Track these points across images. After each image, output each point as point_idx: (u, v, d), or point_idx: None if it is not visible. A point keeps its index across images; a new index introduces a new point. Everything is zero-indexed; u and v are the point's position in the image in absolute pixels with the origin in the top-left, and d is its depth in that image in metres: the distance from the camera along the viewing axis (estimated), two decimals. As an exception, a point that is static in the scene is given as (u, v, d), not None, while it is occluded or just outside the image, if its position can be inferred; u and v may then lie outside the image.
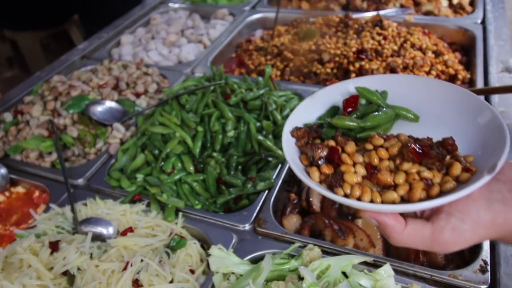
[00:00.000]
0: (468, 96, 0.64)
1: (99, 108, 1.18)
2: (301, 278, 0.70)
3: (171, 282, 0.73)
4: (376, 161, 0.58)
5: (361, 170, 0.58)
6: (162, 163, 0.97)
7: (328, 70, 1.29)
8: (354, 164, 0.59)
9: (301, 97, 1.19)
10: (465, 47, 1.41)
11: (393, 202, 0.54)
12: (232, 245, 0.82)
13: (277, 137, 1.05)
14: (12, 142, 1.14)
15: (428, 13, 1.58)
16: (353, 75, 1.24)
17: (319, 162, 0.60)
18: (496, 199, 0.53)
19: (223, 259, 0.76)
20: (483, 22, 1.44)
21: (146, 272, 0.71)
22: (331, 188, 0.57)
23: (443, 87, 0.68)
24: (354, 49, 1.27)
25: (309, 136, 0.65)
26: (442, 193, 0.54)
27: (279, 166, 0.99)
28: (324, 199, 0.94)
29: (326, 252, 0.79)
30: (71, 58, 1.52)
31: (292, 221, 0.89)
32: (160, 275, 0.72)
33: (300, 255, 0.76)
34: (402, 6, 1.59)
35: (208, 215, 0.89)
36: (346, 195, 0.56)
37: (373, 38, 1.30)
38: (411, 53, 1.27)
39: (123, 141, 1.11)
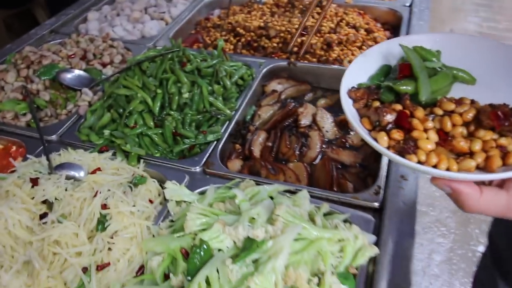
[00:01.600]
0: None
1: (68, 75, 1.32)
2: (238, 202, 0.89)
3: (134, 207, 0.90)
4: (449, 127, 0.56)
5: (434, 137, 0.56)
6: (126, 120, 1.13)
7: (274, 45, 1.47)
8: (425, 130, 0.57)
9: (249, 67, 1.37)
10: (395, 27, 1.62)
11: (469, 170, 0.54)
12: (185, 183, 1.00)
13: (226, 99, 1.23)
14: (-12, 105, 1.26)
15: (365, -4, 1.78)
16: (295, 49, 1.43)
17: (387, 127, 0.58)
18: None
19: (176, 190, 0.94)
20: (411, 5, 1.65)
21: (113, 199, 0.88)
22: (402, 154, 0.55)
23: (495, 46, 0.66)
24: (296, 26, 1.46)
25: (368, 97, 0.63)
26: None
27: (227, 122, 1.17)
28: (263, 149, 1.14)
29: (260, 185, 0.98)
30: (40, 32, 1.63)
31: (235, 164, 1.08)
32: (124, 201, 0.89)
33: (238, 186, 0.95)
34: (344, -10, 1.78)
35: (165, 160, 1.07)
36: (419, 162, 0.55)
37: (313, 17, 1.49)
38: (346, 30, 1.47)
39: (91, 104, 1.26)
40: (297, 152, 1.13)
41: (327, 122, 1.21)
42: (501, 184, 0.56)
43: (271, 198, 0.90)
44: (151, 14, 1.72)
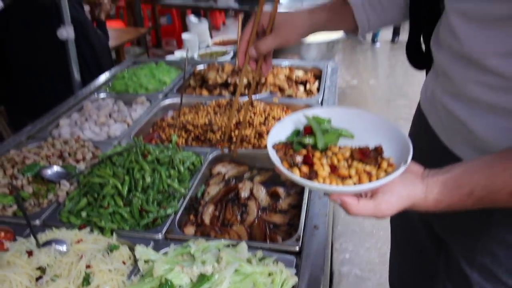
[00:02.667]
0: (383, 121, 0.95)
1: (49, 171, 1.60)
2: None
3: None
4: (336, 161, 0.85)
5: (327, 168, 0.84)
6: (101, 202, 1.41)
7: (218, 137, 1.85)
8: (322, 165, 0.84)
9: (198, 155, 1.72)
10: (312, 118, 2.07)
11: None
12: (151, 247, 1.27)
13: (180, 180, 1.55)
14: (-22, 200, 1.50)
15: (289, 96, 2.26)
16: (234, 139, 1.81)
17: (298, 164, 0.85)
18: (408, 182, 0.80)
19: (145, 251, 1.21)
20: (322, 101, 2.14)
21: (95, 260, 1.14)
22: (309, 180, 0.81)
23: (368, 116, 0.97)
24: (234, 122, 1.87)
25: (285, 149, 0.90)
26: (377, 180, 0.80)
27: (182, 198, 1.48)
28: (212, 217, 1.44)
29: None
30: (19, 138, 1.92)
31: (190, 229, 1.37)
32: (104, 262, 1.14)
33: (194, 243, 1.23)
34: (271, 91, 2.25)
35: (134, 232, 1.34)
36: (320, 184, 0.81)
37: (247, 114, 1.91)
38: (272, 123, 1.88)
39: (68, 193, 1.54)
40: (239, 218, 1.44)
41: (261, 194, 1.55)
42: (371, 196, 0.81)
43: (219, 249, 1.19)
44: (115, 118, 2.08)
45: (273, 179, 1.67)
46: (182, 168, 1.58)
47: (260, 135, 1.82)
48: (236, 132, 1.83)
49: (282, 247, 1.23)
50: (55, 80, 2.83)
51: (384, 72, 6.92)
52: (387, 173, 0.83)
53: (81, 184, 1.52)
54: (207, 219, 1.43)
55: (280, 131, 0.98)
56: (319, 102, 2.13)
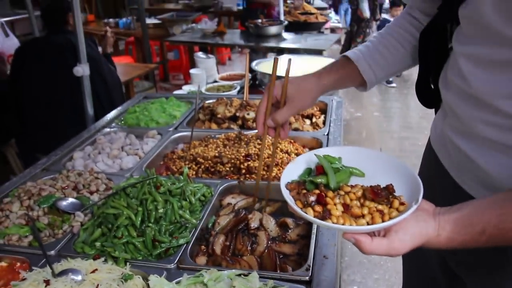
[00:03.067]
0: (394, 160, 0.99)
1: (64, 202, 1.65)
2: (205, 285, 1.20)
3: (125, 296, 1.18)
4: (348, 201, 0.87)
5: (340, 208, 0.86)
6: (115, 232, 1.45)
7: (227, 169, 1.90)
8: (335, 204, 0.86)
9: (209, 187, 1.77)
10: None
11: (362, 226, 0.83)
12: (164, 277, 1.30)
13: (192, 211, 1.60)
14: (-5, 231, 1.54)
15: (296, 129, 2.32)
16: (243, 171, 1.86)
17: (312, 204, 0.87)
18: (420, 219, 0.81)
19: (158, 281, 1.24)
20: (328, 134, 2.20)
21: (110, 289, 1.17)
22: (323, 219, 0.84)
23: (377, 155, 1.02)
24: (243, 154, 1.92)
25: (298, 188, 0.92)
26: (390, 219, 0.82)
27: (193, 229, 1.52)
28: (223, 247, 1.47)
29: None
30: (33, 171, 1.98)
31: (202, 259, 1.40)
32: (119, 292, 1.17)
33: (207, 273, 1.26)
34: (278, 125, 2.32)
35: (147, 262, 1.37)
36: (333, 223, 0.84)
37: (255, 147, 1.97)
38: (280, 156, 1.94)
39: (82, 224, 1.58)
40: (249, 248, 1.47)
41: (271, 224, 1.59)
42: (385, 234, 0.83)
43: (231, 279, 1.22)
44: (127, 151, 2.14)
45: (282, 210, 1.70)
46: (193, 199, 1.62)
47: (268, 168, 1.87)
48: (245, 164, 1.88)
49: (292, 277, 1.26)
50: (69, 114, 2.94)
51: (388, 104, 7.04)
52: (399, 211, 0.84)
53: (95, 215, 1.57)
54: (218, 249, 1.46)
55: (293, 170, 1.01)
56: (325, 134, 2.19)
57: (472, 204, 0.83)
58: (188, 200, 1.62)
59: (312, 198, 0.88)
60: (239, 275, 1.25)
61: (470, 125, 0.97)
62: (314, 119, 2.44)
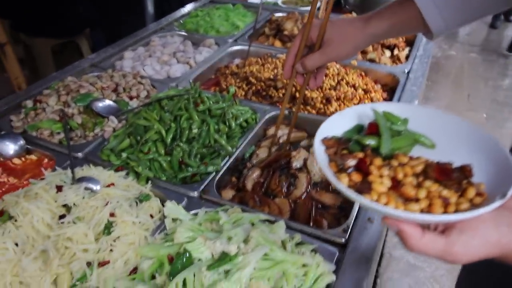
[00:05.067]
0: (480, 132, 0.72)
1: (100, 104, 1.54)
2: (224, 225, 1.05)
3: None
4: (401, 175, 0.64)
5: (387, 182, 0.64)
6: (142, 146, 1.32)
7: (280, 95, 1.66)
8: (381, 176, 0.65)
9: (255, 112, 1.56)
10: (393, 88, 1.80)
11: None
12: (183, 204, 1.17)
13: (229, 137, 1.42)
14: (30, 122, 1.49)
15: (371, 60, 1.98)
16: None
17: (349, 170, 0.67)
18: (503, 223, 0.60)
19: (174, 209, 1.10)
20: (409, 71, 1.84)
21: (120, 209, 1.06)
22: (359, 193, 0.63)
23: (457, 122, 0.76)
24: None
25: (338, 146, 0.72)
26: (456, 212, 0.60)
27: (227, 157, 1.34)
28: (255, 184, 1.30)
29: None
30: (82, 65, 1.89)
31: (228, 193, 1.24)
32: (129, 212, 1.06)
33: (227, 212, 1.11)
34: (351, 52, 1.98)
35: (169, 184, 1.24)
36: (372, 201, 0.62)
37: (318, 74, 1.69)
38: (345, 89, 1.65)
39: (115, 130, 1.47)
40: (285, 190, 1.28)
41: (316, 167, 1.37)
42: (443, 231, 0.62)
43: (252, 224, 1.05)
44: (178, 58, 1.96)
45: (333, 153, 1.47)
46: (233, 124, 1.43)
47: (328, 101, 1.61)
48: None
49: (325, 235, 1.06)
50: (130, 11, 2.78)
51: (493, 45, 6.04)
52: (472, 204, 0.62)
53: (128, 123, 1.44)
54: (249, 185, 1.29)
55: (337, 123, 0.79)
56: (405, 72, 1.83)
57: None
58: (227, 123, 1.43)
59: (351, 162, 0.67)
60: (265, 221, 1.08)
61: None
62: (396, 51, 2.06)
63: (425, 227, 0.62)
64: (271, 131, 1.53)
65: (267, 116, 1.55)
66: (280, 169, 1.36)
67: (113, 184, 1.16)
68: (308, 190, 1.29)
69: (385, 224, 0.63)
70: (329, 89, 1.65)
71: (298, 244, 1.03)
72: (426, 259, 2.64)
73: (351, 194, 0.63)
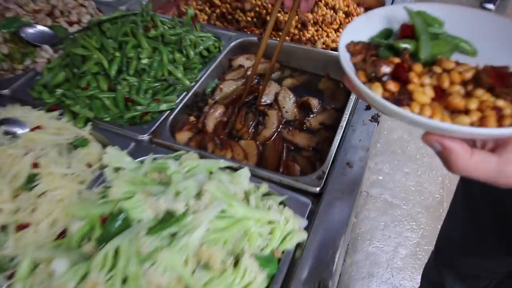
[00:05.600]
0: None
1: (31, 30, 1.27)
2: (176, 174, 0.87)
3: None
4: (446, 84, 0.54)
5: (430, 92, 0.54)
6: (78, 81, 1.09)
7: (249, 19, 1.42)
8: (422, 86, 0.55)
9: (218, 39, 1.33)
10: (378, 13, 1.57)
11: None
12: (129, 150, 0.97)
13: (187, 69, 1.20)
14: None
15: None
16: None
17: (383, 78, 0.56)
18: None
19: (116, 156, 0.91)
20: (396, -9, 1.60)
21: (46, 158, 0.86)
22: (398, 104, 0.53)
23: (503, 22, 0.64)
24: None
25: (366, 52, 0.61)
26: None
27: (184, 93, 1.14)
28: (218, 123, 1.11)
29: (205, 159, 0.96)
30: (13, -16, 1.57)
31: (184, 135, 1.05)
32: (58, 162, 0.86)
33: (180, 158, 0.92)
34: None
35: (114, 126, 1.04)
36: (413, 113, 0.52)
37: (292, -6, 1.44)
38: (323, 11, 1.42)
39: (50, 61, 1.22)
40: (252, 130, 1.10)
41: (288, 102, 1.18)
42: (493, 149, 0.54)
43: (211, 173, 0.88)
44: (130, -24, 1.66)
45: (307, 86, 1.27)
46: (192, 53, 1.20)
47: (303, 25, 1.38)
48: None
49: (297, 183, 0.90)
50: None
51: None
52: None
53: (65, 53, 1.20)
54: (210, 125, 1.10)
55: (362, 27, 0.66)
56: (392, -8, 1.60)
57: None
58: (185, 52, 1.20)
59: (386, 69, 0.56)
60: (225, 168, 0.91)
61: None
62: (382, -30, 1.80)
63: (471, 144, 0.54)
64: (238, 61, 1.31)
65: (232, 44, 1.32)
66: (248, 106, 1.17)
67: (40, 127, 0.95)
68: (278, 129, 1.11)
69: (427, 142, 0.53)
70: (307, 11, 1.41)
71: (265, 195, 0.87)
72: (404, 197, 2.58)
73: (389, 106, 0.52)
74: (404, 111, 0.51)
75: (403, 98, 0.53)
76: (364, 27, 0.66)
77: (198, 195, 0.77)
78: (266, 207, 0.81)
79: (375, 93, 0.54)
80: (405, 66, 0.56)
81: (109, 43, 1.13)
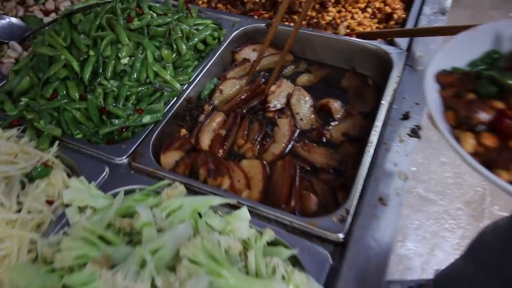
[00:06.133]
0: None
1: (-4, 23, 1.08)
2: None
3: (20, 212, 0.69)
4: None
5: None
6: (43, 90, 0.89)
7: (256, 0, 1.18)
8: None
9: (221, 28, 1.10)
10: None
11: None
12: (102, 178, 0.78)
13: (178, 67, 0.98)
14: None
15: None
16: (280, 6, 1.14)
17: (477, 128, 0.46)
18: None
19: (80, 191, 0.72)
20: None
21: (-13, 200, 0.67)
22: (489, 166, 0.43)
23: None
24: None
25: (462, 86, 0.50)
26: None
27: (174, 99, 0.92)
28: (215, 138, 0.89)
29: (196, 192, 0.75)
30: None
31: (170, 157, 0.84)
32: (3, 204, 0.68)
33: (162, 193, 0.72)
34: None
35: (86, 145, 0.84)
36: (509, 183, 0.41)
37: (308, -34, 1.17)
38: (352, -8, 1.15)
39: (18, 61, 1.03)
40: (257, 145, 0.88)
41: (304, 107, 0.95)
42: None
43: (200, 216, 0.67)
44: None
45: (327, 84, 1.03)
46: (184, 47, 0.98)
47: (322, 5, 1.13)
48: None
49: (313, 228, 0.68)
50: None
51: None
52: None
53: (32, 51, 1.00)
54: (205, 140, 0.88)
55: (462, 49, 0.54)
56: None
57: None
58: (175, 47, 0.98)
59: (484, 116, 0.44)
60: (216, 208, 0.70)
61: None
62: None
63: None
64: (242, 54, 1.08)
65: (235, 33, 1.08)
66: (253, 112, 0.95)
67: (-12, 153, 0.76)
68: (291, 144, 0.88)
69: None
70: (325, -11, 1.15)
71: (271, 244, 0.66)
72: (440, 191, 2.32)
73: (477, 167, 0.42)
74: (495, 178, 0.39)
75: (502, 158, 0.41)
76: (464, 48, 0.54)
77: (175, 259, 0.56)
78: (270, 269, 0.60)
79: (461, 148, 0.43)
80: (510, 115, 0.43)
81: (80, 39, 0.92)
